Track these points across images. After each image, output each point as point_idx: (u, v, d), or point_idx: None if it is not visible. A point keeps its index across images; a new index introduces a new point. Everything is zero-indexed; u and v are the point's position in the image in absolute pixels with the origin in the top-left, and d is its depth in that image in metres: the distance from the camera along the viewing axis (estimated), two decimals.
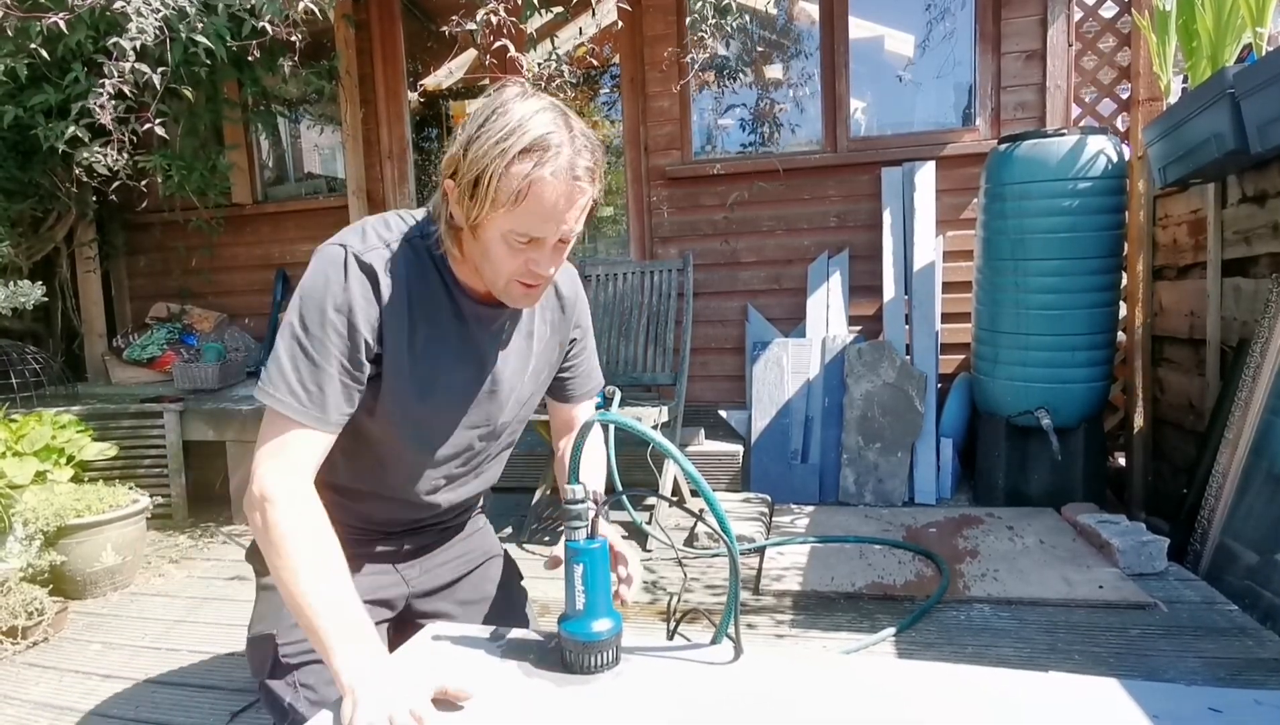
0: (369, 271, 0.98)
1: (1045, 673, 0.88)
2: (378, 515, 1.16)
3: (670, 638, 1.01)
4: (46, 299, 2.93)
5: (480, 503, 1.35)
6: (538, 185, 0.91)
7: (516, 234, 0.95)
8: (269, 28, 2.36)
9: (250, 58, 2.50)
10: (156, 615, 2.19)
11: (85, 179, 2.80)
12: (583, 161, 0.94)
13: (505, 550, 1.40)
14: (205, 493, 3.18)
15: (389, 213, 1.08)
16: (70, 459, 2.61)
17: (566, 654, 0.89)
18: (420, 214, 1.08)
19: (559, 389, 1.30)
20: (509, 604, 1.33)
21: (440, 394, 1.08)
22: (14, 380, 3.17)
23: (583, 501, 0.90)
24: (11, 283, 2.83)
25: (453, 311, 1.07)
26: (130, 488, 2.50)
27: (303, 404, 0.95)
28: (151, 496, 2.59)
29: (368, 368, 1.00)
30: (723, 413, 3.35)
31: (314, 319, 0.96)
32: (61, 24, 2.35)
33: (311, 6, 2.33)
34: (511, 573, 1.37)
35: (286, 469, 0.95)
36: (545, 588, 1.95)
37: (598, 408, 2.51)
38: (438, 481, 1.16)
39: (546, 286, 1.06)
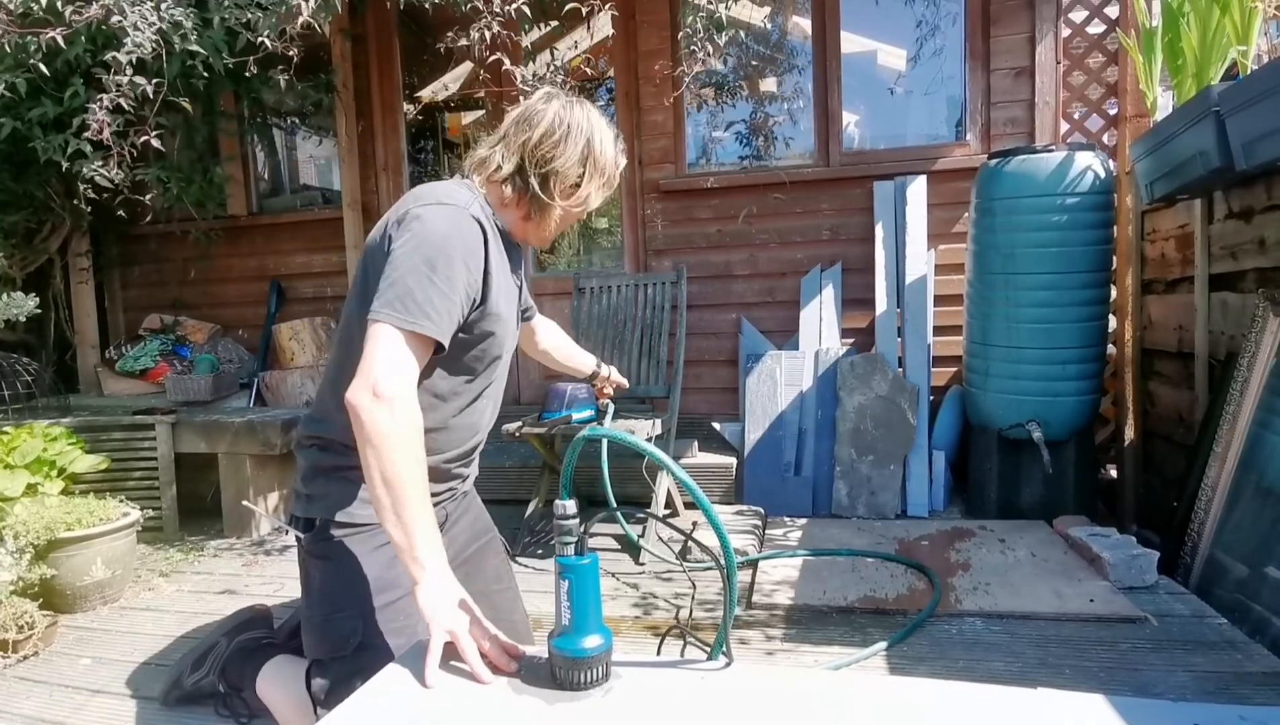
0: (478, 224, 1.19)
1: (1034, 689, 0.88)
2: (452, 444, 1.33)
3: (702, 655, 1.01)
4: (40, 310, 2.92)
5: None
6: (618, 167, 1.33)
7: (590, 205, 1.32)
8: (267, 42, 2.37)
9: (247, 74, 2.51)
10: (146, 630, 2.18)
11: (92, 195, 2.80)
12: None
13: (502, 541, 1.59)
14: (196, 505, 3.16)
15: (447, 184, 1.28)
16: (61, 471, 2.60)
17: (556, 670, 0.89)
18: (460, 183, 1.29)
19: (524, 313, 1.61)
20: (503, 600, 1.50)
21: (509, 315, 1.32)
22: (6, 392, 3.16)
23: (573, 517, 0.91)
24: (5, 294, 2.82)
25: (506, 251, 1.32)
26: (121, 500, 2.49)
27: (439, 323, 1.11)
28: (142, 509, 2.58)
29: (475, 301, 1.20)
30: (716, 425, 3.36)
31: (442, 259, 1.12)
32: (60, 40, 2.36)
33: (309, 21, 2.34)
34: (506, 563, 1.57)
35: (410, 379, 1.09)
36: (538, 601, 1.95)
37: (592, 422, 2.52)
38: (496, 396, 1.39)
39: None
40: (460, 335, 1.19)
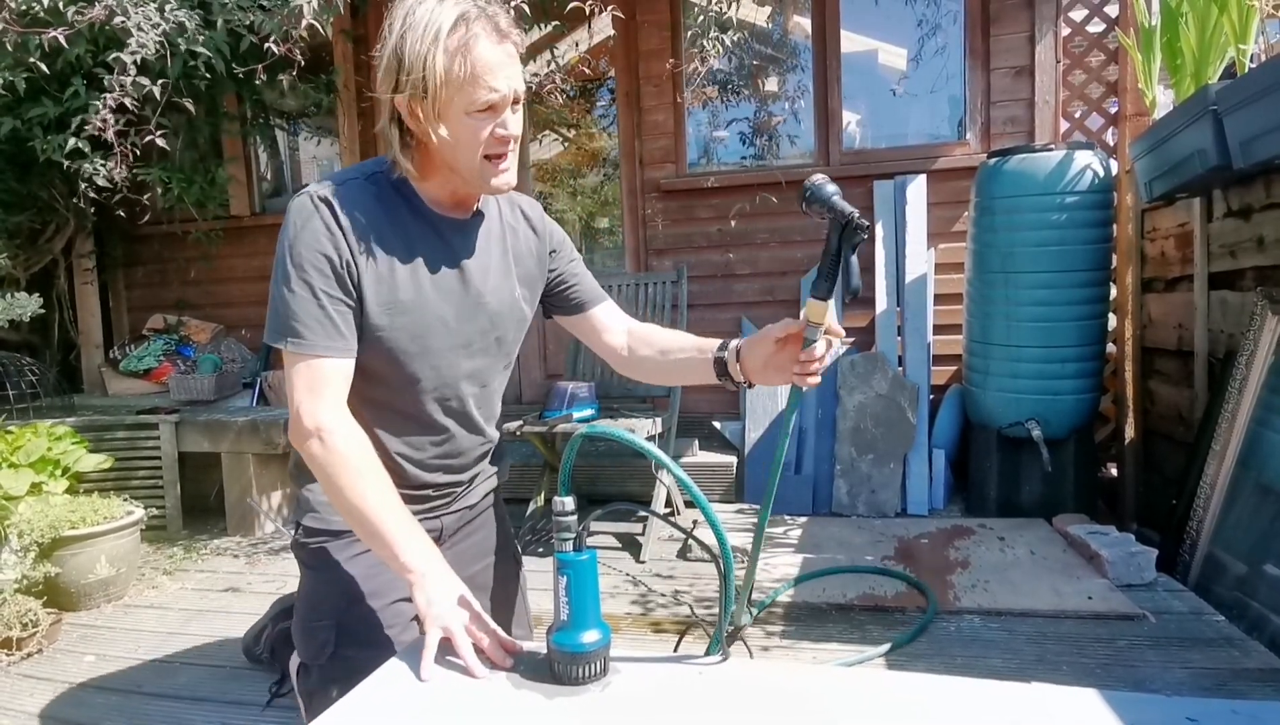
0: (327, 204, 1.08)
1: (1028, 683, 0.89)
2: (422, 451, 1.23)
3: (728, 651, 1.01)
4: (43, 311, 2.93)
5: (495, 470, 1.42)
6: (474, 45, 1.01)
7: (476, 105, 1.03)
8: (274, 49, 2.38)
9: (258, 80, 2.52)
10: (150, 627, 2.19)
11: (92, 194, 2.81)
12: (502, 18, 1.05)
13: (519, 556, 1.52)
14: (200, 504, 3.18)
15: (346, 168, 1.22)
16: (65, 470, 2.61)
17: (555, 665, 0.90)
18: (374, 159, 1.19)
19: (569, 302, 1.36)
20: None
21: (429, 303, 1.15)
22: (10, 392, 3.17)
23: (572, 514, 0.92)
24: (9, 295, 2.84)
25: (423, 227, 1.15)
26: (125, 499, 2.50)
27: (318, 336, 1.05)
28: (146, 508, 2.59)
29: (354, 291, 1.09)
30: (716, 424, 3.37)
31: (296, 264, 1.05)
32: (62, 39, 2.37)
33: (312, 23, 2.35)
34: (518, 585, 1.49)
35: (329, 402, 1.05)
36: (537, 599, 1.95)
37: (593, 420, 2.51)
38: (459, 395, 1.22)
39: (516, 156, 1.12)
40: (364, 332, 1.11)
